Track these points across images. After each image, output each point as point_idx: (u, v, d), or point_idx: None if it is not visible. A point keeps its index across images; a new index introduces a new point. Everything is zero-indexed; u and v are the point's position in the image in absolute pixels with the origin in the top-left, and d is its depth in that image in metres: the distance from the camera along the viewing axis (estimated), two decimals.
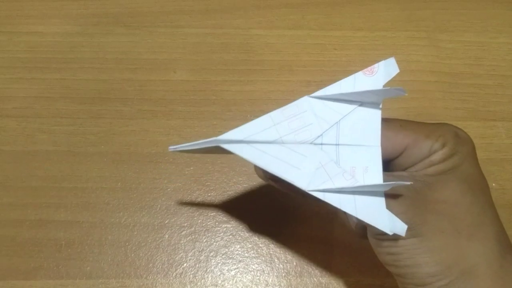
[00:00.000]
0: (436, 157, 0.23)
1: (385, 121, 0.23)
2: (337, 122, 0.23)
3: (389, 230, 0.20)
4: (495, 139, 0.38)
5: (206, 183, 0.36)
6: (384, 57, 0.41)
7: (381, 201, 0.21)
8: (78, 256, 0.33)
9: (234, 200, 0.35)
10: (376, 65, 0.23)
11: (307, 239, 0.34)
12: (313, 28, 0.43)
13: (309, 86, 0.40)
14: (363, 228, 0.25)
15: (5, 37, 0.41)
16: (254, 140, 0.22)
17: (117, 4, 0.43)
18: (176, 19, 0.42)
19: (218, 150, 0.23)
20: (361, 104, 0.23)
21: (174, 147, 0.24)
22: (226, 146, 0.22)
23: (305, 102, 0.23)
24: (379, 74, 0.23)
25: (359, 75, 0.23)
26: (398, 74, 0.42)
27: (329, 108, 0.23)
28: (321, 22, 0.43)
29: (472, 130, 0.38)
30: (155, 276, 0.33)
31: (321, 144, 0.22)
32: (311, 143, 0.22)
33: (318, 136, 0.22)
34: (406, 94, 0.21)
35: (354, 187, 0.21)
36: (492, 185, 0.36)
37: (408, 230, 0.21)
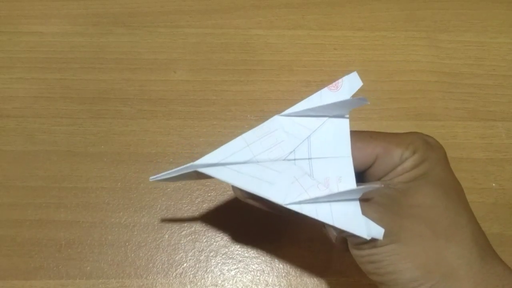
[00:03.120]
0: (408, 164, 0.23)
1: (354, 132, 0.24)
2: (307, 137, 0.24)
3: (366, 235, 0.20)
4: (495, 139, 0.38)
5: (206, 183, 0.36)
6: (384, 57, 0.42)
7: (356, 208, 0.21)
8: (78, 256, 0.33)
9: (234, 200, 0.35)
10: (340, 80, 0.24)
11: (307, 239, 0.34)
12: (313, 28, 0.43)
13: (309, 86, 0.40)
14: (344, 242, 0.25)
15: (5, 37, 0.41)
16: (229, 161, 0.23)
17: (117, 4, 0.43)
18: (176, 19, 0.42)
19: (197, 175, 0.24)
20: (329, 118, 0.24)
21: (154, 177, 0.25)
22: (203, 170, 0.23)
23: (275, 121, 0.24)
24: (344, 89, 0.23)
25: (324, 91, 0.24)
26: (398, 74, 0.42)
27: (298, 125, 0.24)
28: (321, 22, 0.43)
29: (472, 130, 0.38)
30: (155, 276, 0.33)
31: (294, 159, 0.23)
32: (284, 159, 0.23)
33: (291, 152, 0.23)
34: (369, 103, 0.22)
35: (329, 195, 0.21)
36: (492, 185, 0.36)
37: (386, 236, 0.21)
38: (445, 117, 0.39)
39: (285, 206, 0.22)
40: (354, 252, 0.23)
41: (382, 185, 0.22)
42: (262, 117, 0.38)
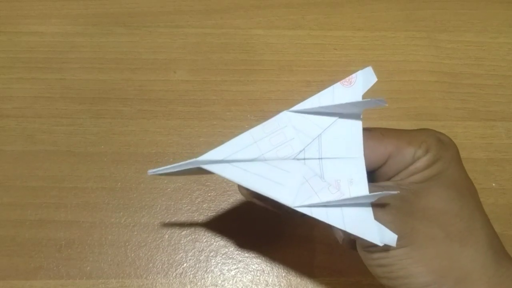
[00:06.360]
0: (420, 163, 0.23)
1: (365, 130, 0.23)
2: (318, 136, 0.22)
3: (379, 241, 0.20)
4: (495, 139, 0.38)
5: (206, 183, 0.36)
6: (384, 57, 0.42)
7: (368, 212, 0.20)
8: (78, 256, 0.33)
9: (234, 200, 0.35)
10: (354, 75, 0.22)
11: (307, 239, 0.34)
12: (313, 28, 0.43)
13: (309, 86, 0.40)
14: (351, 243, 0.24)
15: (5, 37, 0.41)
16: (235, 159, 0.21)
17: (117, 4, 0.43)
18: (176, 19, 0.42)
19: (199, 171, 0.22)
20: (341, 115, 0.23)
21: (154, 170, 0.23)
22: (207, 167, 0.21)
23: (284, 117, 0.22)
24: (358, 84, 0.22)
25: (337, 86, 0.22)
26: (398, 74, 0.42)
27: (309, 122, 0.22)
28: (321, 22, 0.43)
29: (472, 130, 0.38)
30: (155, 276, 0.33)
31: (304, 158, 0.22)
32: (293, 158, 0.22)
33: (300, 151, 0.22)
34: (387, 105, 0.21)
35: (341, 200, 0.20)
36: (492, 185, 0.36)
37: (398, 239, 0.20)
38: (445, 117, 0.39)
39: (295, 208, 0.21)
40: (363, 254, 0.23)
41: (398, 192, 0.21)
42: (262, 117, 0.38)
